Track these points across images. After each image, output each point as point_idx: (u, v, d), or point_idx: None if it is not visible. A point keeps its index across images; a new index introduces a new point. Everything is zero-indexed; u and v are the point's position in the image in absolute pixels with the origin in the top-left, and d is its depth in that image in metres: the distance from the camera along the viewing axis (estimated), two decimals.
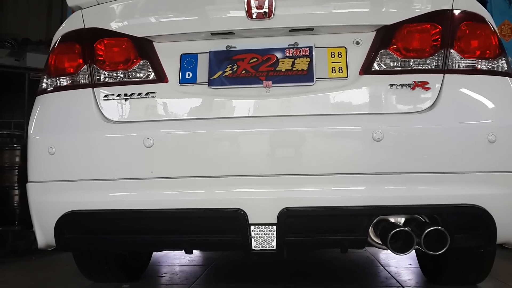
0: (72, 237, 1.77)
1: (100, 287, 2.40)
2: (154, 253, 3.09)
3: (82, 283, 2.43)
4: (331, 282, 2.48)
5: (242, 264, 3.03)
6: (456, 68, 1.70)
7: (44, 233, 1.77)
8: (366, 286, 2.46)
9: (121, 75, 1.81)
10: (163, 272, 2.80)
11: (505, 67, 1.73)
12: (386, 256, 3.21)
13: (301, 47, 1.75)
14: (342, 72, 1.72)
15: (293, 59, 1.74)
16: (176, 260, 3.19)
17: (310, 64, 1.72)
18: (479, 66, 1.72)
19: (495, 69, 1.72)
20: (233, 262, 3.15)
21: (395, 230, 1.53)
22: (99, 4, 1.87)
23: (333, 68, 1.73)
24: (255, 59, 1.75)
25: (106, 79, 1.81)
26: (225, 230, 1.67)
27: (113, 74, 1.81)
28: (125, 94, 1.77)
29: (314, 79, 1.71)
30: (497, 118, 1.66)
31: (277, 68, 1.73)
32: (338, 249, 1.90)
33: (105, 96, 1.78)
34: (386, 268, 2.84)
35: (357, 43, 1.76)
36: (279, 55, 1.75)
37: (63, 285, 2.54)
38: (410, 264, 2.90)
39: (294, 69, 1.73)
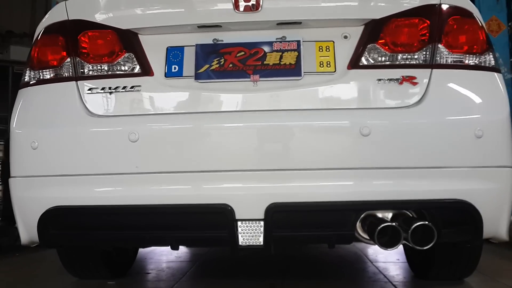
0: (56, 233, 1.74)
1: (85, 284, 2.38)
2: (141, 250, 3.07)
3: (67, 280, 2.40)
4: (319, 278, 2.48)
5: (229, 261, 3.01)
6: (444, 63, 1.70)
7: (27, 229, 1.74)
8: (353, 281, 2.46)
9: (106, 68, 1.77)
10: (150, 268, 2.78)
11: (492, 62, 1.73)
12: (374, 252, 3.22)
13: (289, 41, 1.74)
14: (330, 66, 1.71)
15: (280, 53, 1.72)
16: (163, 257, 3.16)
17: (298, 58, 1.71)
18: (466, 61, 1.72)
19: (483, 64, 1.72)
20: (221, 259, 3.13)
21: (382, 225, 1.52)
22: None
23: (321, 62, 1.72)
24: (243, 53, 1.73)
25: (90, 72, 1.78)
26: (212, 225, 1.65)
27: (97, 67, 1.78)
28: (110, 88, 1.74)
29: (302, 73, 1.70)
30: (484, 113, 1.66)
31: (265, 62, 1.71)
32: (326, 245, 1.90)
33: (89, 89, 1.75)
34: (374, 263, 2.85)
35: (345, 37, 1.75)
36: (266, 48, 1.73)
37: (48, 282, 2.51)
38: (398, 259, 2.91)
39: (281, 63, 1.71)
